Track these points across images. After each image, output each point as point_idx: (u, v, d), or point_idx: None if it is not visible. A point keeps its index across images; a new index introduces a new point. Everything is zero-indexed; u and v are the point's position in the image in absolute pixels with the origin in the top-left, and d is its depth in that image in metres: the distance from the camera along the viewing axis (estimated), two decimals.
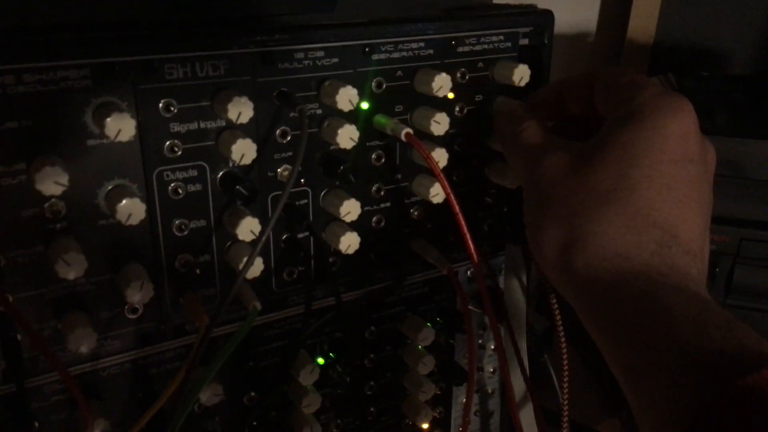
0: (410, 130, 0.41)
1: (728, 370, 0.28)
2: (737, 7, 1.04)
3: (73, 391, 0.33)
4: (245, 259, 0.39)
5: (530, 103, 0.45)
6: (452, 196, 0.42)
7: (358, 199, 0.42)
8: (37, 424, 0.38)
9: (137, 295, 0.37)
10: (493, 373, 0.57)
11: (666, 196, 0.34)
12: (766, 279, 0.59)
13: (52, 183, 0.32)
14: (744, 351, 0.29)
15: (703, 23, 1.07)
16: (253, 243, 0.39)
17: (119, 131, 0.33)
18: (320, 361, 0.47)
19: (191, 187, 0.39)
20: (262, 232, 0.38)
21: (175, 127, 0.37)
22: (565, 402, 0.52)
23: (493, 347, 0.56)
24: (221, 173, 0.39)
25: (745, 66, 1.06)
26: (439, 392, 0.54)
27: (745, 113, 0.63)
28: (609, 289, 0.34)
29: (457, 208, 0.42)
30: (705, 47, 1.09)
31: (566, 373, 0.50)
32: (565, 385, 0.51)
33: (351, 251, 0.43)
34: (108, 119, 0.33)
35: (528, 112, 0.43)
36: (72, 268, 0.34)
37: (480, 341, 0.55)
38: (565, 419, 0.52)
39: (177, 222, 0.39)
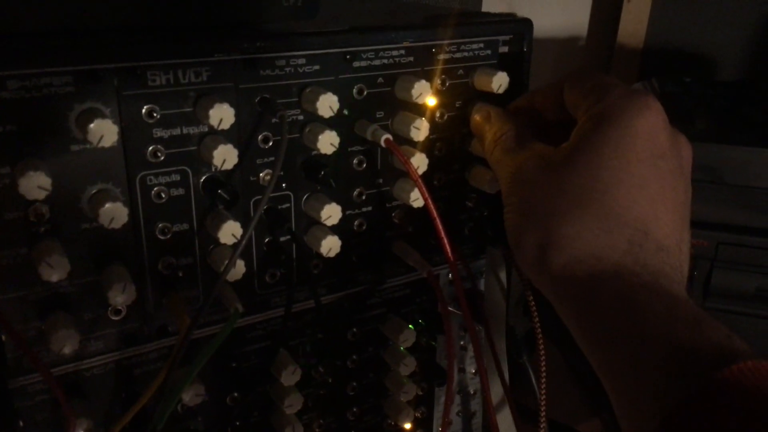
0: (390, 136, 0.42)
1: (698, 366, 0.29)
2: (726, 12, 1.05)
3: (55, 392, 0.34)
4: (227, 261, 0.40)
5: (510, 109, 0.45)
6: (429, 201, 0.43)
7: (339, 203, 0.43)
8: (21, 424, 0.39)
9: (120, 297, 0.37)
10: (475, 374, 0.58)
11: (636, 195, 0.35)
12: (743, 282, 0.61)
13: (36, 187, 0.33)
14: (713, 346, 0.30)
15: (693, 28, 1.09)
16: (235, 246, 0.40)
17: (102, 137, 0.34)
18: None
19: (174, 192, 0.40)
20: (242, 236, 0.39)
21: (158, 133, 0.38)
22: (543, 402, 0.53)
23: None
24: (204, 178, 0.40)
25: (734, 70, 1.07)
26: (421, 393, 0.55)
27: (724, 119, 0.64)
28: (584, 290, 0.35)
29: (434, 212, 0.43)
30: (694, 52, 1.10)
31: (544, 373, 0.51)
32: (543, 386, 0.52)
33: (332, 254, 0.44)
34: (91, 125, 0.34)
35: (508, 117, 0.43)
36: (55, 271, 0.35)
37: (461, 342, 0.56)
38: (543, 419, 0.53)
39: (160, 225, 0.40)
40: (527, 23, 0.48)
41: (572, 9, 1.16)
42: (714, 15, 1.08)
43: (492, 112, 0.44)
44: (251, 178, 0.42)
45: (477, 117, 0.45)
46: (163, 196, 0.39)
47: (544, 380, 0.51)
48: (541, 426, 0.54)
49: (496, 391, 0.54)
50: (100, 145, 0.34)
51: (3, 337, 0.36)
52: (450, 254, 0.43)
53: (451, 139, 0.48)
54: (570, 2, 1.15)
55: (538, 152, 0.39)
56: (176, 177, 0.39)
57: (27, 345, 0.35)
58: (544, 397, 0.53)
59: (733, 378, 0.28)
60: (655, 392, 0.30)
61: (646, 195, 0.35)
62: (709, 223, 0.60)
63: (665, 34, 1.13)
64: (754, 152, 0.58)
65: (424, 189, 0.43)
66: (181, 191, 0.40)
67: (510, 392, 0.52)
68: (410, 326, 0.51)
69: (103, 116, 0.34)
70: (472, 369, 0.58)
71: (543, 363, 0.50)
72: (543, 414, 0.52)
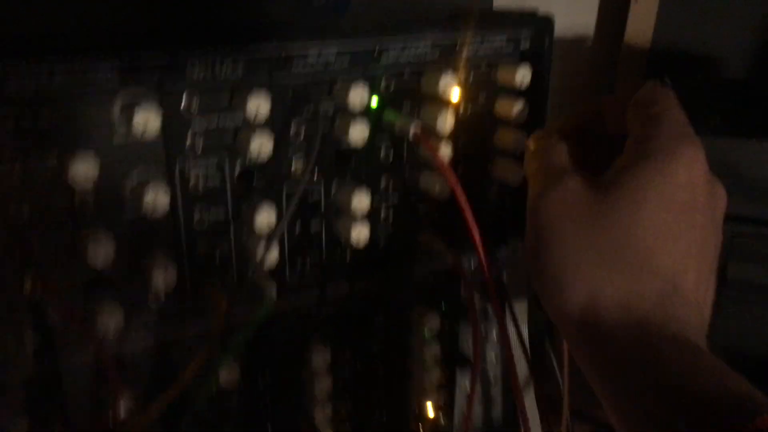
0: (418, 130, 0.44)
1: (721, 417, 0.28)
2: (734, 13, 1.06)
3: (107, 367, 0.36)
4: (261, 249, 0.42)
5: (566, 122, 0.43)
6: (458, 189, 0.45)
7: (368, 193, 0.44)
8: (66, 402, 0.41)
9: (161, 281, 0.39)
10: (496, 361, 0.59)
11: (671, 247, 0.34)
12: (758, 273, 0.62)
13: (83, 177, 0.35)
14: (736, 398, 0.29)
15: (700, 28, 1.09)
16: (270, 234, 0.41)
17: (145, 128, 0.36)
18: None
19: (211, 181, 0.41)
20: (278, 224, 0.41)
21: (197, 124, 0.40)
22: (565, 388, 0.55)
23: (495, 335, 0.59)
24: (239, 168, 0.42)
25: (741, 71, 1.08)
26: (444, 379, 0.56)
27: (737, 115, 0.65)
28: (606, 337, 0.34)
29: (462, 200, 0.44)
30: (701, 52, 1.11)
31: (566, 360, 0.52)
32: (566, 371, 0.53)
33: (361, 244, 0.45)
34: (135, 117, 0.36)
35: (559, 135, 0.41)
36: (101, 256, 0.37)
37: (483, 330, 0.58)
38: (566, 405, 0.55)
39: (198, 214, 0.41)
40: (548, 21, 0.49)
41: (579, 9, 1.17)
42: (721, 16, 1.08)
43: (548, 130, 0.43)
44: (284, 170, 0.44)
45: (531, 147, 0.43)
46: (201, 185, 0.41)
47: (566, 368, 0.53)
48: (564, 414, 0.55)
49: (520, 378, 0.55)
50: (144, 136, 0.36)
51: (52, 318, 0.38)
52: (478, 240, 0.45)
53: (474, 133, 0.50)
54: (577, 2, 1.16)
55: (580, 175, 0.37)
56: (213, 167, 0.41)
57: (82, 321, 0.37)
58: (566, 383, 0.54)
59: (757, 431, 0.27)
60: None
61: (678, 248, 0.35)
62: (725, 216, 0.61)
63: (672, 35, 1.13)
64: None
65: (452, 177, 0.44)
66: (217, 181, 0.41)
67: (535, 378, 0.53)
68: (435, 313, 0.52)
69: (146, 108, 0.36)
70: (493, 356, 0.59)
71: (566, 349, 0.51)
72: (566, 400, 0.53)
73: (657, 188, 0.35)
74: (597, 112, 0.43)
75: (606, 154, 0.39)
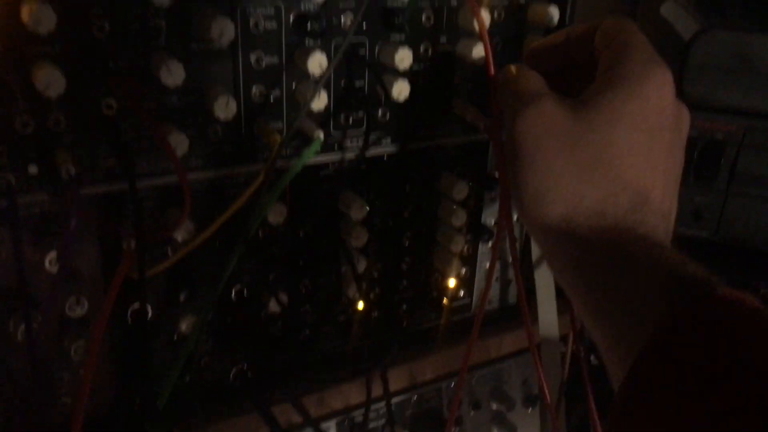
0: None
1: (685, 292, 0.33)
2: None
3: (181, 180, 0.39)
4: (311, 92, 0.45)
5: (533, 51, 0.46)
6: (490, 56, 0.47)
7: (410, 51, 0.47)
8: (131, 223, 0.44)
9: (223, 111, 0.42)
10: (516, 241, 0.63)
11: (642, 163, 0.37)
12: None
13: None
14: (698, 278, 0.33)
15: None
16: (320, 77, 0.44)
17: None
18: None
19: (268, 25, 0.44)
20: (328, 66, 0.44)
21: None
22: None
23: (516, 217, 0.62)
24: (294, 14, 0.45)
25: None
26: (467, 250, 0.60)
27: (755, 11, 0.67)
28: (583, 241, 0.37)
29: (492, 69, 0.47)
30: None
31: None
32: None
33: (402, 98, 0.49)
34: None
35: (527, 63, 0.44)
36: (173, 76, 0.40)
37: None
38: None
39: (254, 55, 0.44)
40: None
41: None
42: None
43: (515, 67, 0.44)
44: (334, 20, 0.46)
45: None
46: (260, 27, 0.44)
47: None
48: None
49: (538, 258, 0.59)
50: None
51: (127, 135, 0.41)
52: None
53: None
54: None
55: (557, 97, 0.39)
56: (271, 11, 0.44)
57: (164, 138, 0.40)
58: None
59: (717, 300, 0.31)
60: (648, 318, 0.33)
61: (650, 164, 0.38)
62: (738, 109, 0.64)
63: None
64: None
65: (488, 43, 0.47)
66: (274, 25, 0.44)
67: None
68: (464, 182, 0.56)
69: None
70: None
71: None
72: None
73: (630, 110, 0.37)
74: (565, 42, 0.45)
75: (576, 81, 0.42)
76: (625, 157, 0.37)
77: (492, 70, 0.46)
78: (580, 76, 0.42)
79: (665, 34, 0.72)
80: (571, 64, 0.44)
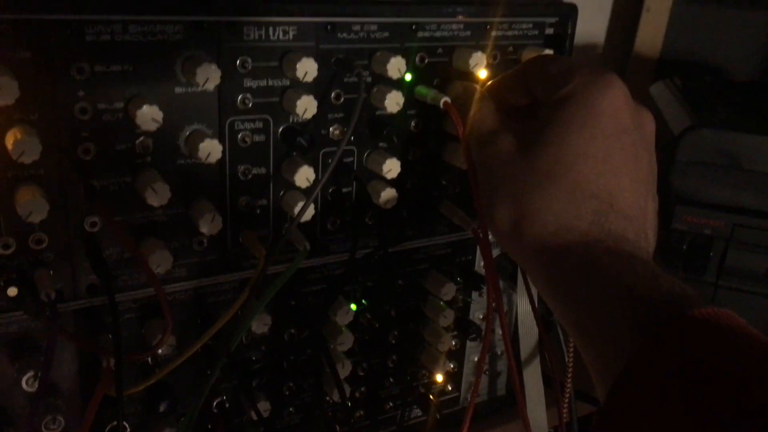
0: (448, 99, 0.47)
1: (655, 314, 0.32)
2: (741, 23, 1.10)
3: (161, 301, 0.38)
4: (299, 204, 0.45)
5: (489, 90, 0.46)
6: (471, 164, 0.47)
7: (398, 159, 0.48)
8: (110, 337, 0.44)
9: (208, 227, 0.42)
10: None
11: (602, 168, 0.37)
12: (757, 263, 0.65)
13: (150, 119, 0.38)
14: (669, 296, 0.33)
15: (709, 38, 1.13)
16: (309, 189, 0.44)
17: (207, 80, 0.39)
18: (353, 306, 0.53)
19: (256, 137, 0.44)
20: (317, 180, 0.44)
21: (248, 83, 0.43)
22: (570, 364, 0.58)
23: (504, 311, 0.62)
24: (282, 126, 0.45)
25: (745, 76, 1.12)
26: (454, 346, 0.59)
27: (742, 111, 0.68)
28: (554, 258, 0.38)
29: (473, 174, 0.47)
30: (709, 60, 1.15)
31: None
32: (571, 348, 0.56)
33: (389, 206, 0.49)
34: (198, 68, 0.39)
35: (481, 96, 0.45)
36: (158, 197, 0.40)
37: (494, 304, 0.61)
38: (569, 380, 0.58)
39: (242, 167, 0.44)
40: (572, 8, 0.53)
41: (591, 16, 1.21)
42: (730, 26, 1.13)
43: (470, 90, 0.46)
44: (322, 131, 0.47)
45: (455, 95, 0.47)
46: (247, 140, 0.44)
47: (572, 344, 0.55)
48: (567, 389, 0.58)
49: (530, 349, 0.59)
50: (205, 87, 0.39)
51: (108, 252, 0.41)
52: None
53: None
54: (589, 10, 1.20)
55: (509, 130, 0.41)
56: (259, 124, 0.44)
57: (144, 258, 0.39)
58: (572, 359, 0.57)
59: (688, 322, 0.31)
60: (620, 342, 0.33)
61: (610, 168, 0.37)
62: (725, 205, 0.65)
63: (682, 42, 1.17)
64: None
65: (468, 152, 0.47)
66: (262, 137, 0.44)
67: (541, 351, 0.56)
68: (451, 282, 0.55)
69: (209, 62, 0.39)
70: (500, 330, 0.62)
71: None
72: (570, 374, 0.56)
73: (580, 121, 0.38)
74: (498, 90, 0.45)
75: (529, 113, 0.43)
76: (581, 166, 0.37)
77: (473, 177, 0.46)
78: (525, 116, 0.43)
79: (652, 112, 0.73)
80: (514, 106, 0.45)
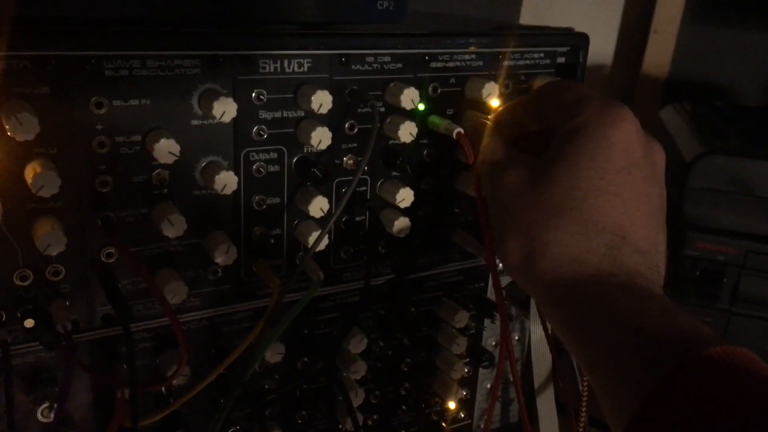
0: (461, 130, 0.47)
1: (669, 353, 0.32)
2: (749, 44, 1.10)
3: (177, 333, 0.39)
4: (313, 233, 0.45)
5: (495, 120, 0.47)
6: (480, 195, 0.47)
7: (411, 189, 0.48)
8: (125, 367, 0.44)
9: (222, 257, 0.42)
10: (517, 361, 0.62)
11: (613, 202, 0.37)
12: None
13: (167, 152, 0.38)
14: (683, 335, 0.33)
15: (717, 59, 1.14)
16: (324, 219, 0.45)
17: (224, 113, 0.39)
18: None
19: (271, 168, 0.45)
20: (333, 211, 0.44)
21: (263, 114, 0.43)
22: (585, 392, 0.57)
23: (517, 338, 0.62)
24: (297, 157, 0.45)
25: (756, 99, 1.12)
26: (467, 374, 0.59)
27: (753, 137, 0.68)
28: (566, 292, 0.37)
29: (482, 203, 0.47)
30: (717, 82, 1.15)
31: None
32: (586, 378, 0.56)
33: (402, 235, 0.49)
34: (215, 102, 0.39)
35: (492, 128, 0.45)
36: (174, 228, 0.40)
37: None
38: (584, 409, 0.57)
39: (256, 198, 0.45)
40: (584, 37, 0.53)
41: (598, 38, 1.22)
42: (738, 47, 1.13)
43: (479, 123, 0.47)
44: (336, 162, 0.47)
45: (466, 127, 0.47)
46: (262, 171, 0.44)
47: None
48: (582, 417, 0.58)
49: (543, 376, 0.58)
50: (221, 120, 0.39)
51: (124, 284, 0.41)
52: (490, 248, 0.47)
53: None
54: (597, 32, 1.21)
55: (519, 162, 0.41)
56: (274, 155, 0.44)
57: (158, 289, 0.40)
58: (586, 387, 0.57)
59: (701, 362, 0.31)
60: (633, 381, 0.33)
61: (621, 202, 0.37)
62: (738, 232, 0.64)
63: (690, 65, 1.18)
64: None
65: (477, 181, 0.47)
66: (276, 168, 0.45)
67: (555, 379, 0.56)
68: (463, 310, 0.55)
69: (225, 95, 0.40)
70: (515, 356, 0.62)
71: None
72: (584, 402, 0.56)
73: (591, 154, 0.38)
74: (511, 117, 0.45)
75: (534, 146, 0.43)
76: (592, 199, 0.37)
77: (481, 207, 0.46)
78: (539, 143, 0.43)
79: (662, 137, 0.73)
80: (527, 132, 0.45)
